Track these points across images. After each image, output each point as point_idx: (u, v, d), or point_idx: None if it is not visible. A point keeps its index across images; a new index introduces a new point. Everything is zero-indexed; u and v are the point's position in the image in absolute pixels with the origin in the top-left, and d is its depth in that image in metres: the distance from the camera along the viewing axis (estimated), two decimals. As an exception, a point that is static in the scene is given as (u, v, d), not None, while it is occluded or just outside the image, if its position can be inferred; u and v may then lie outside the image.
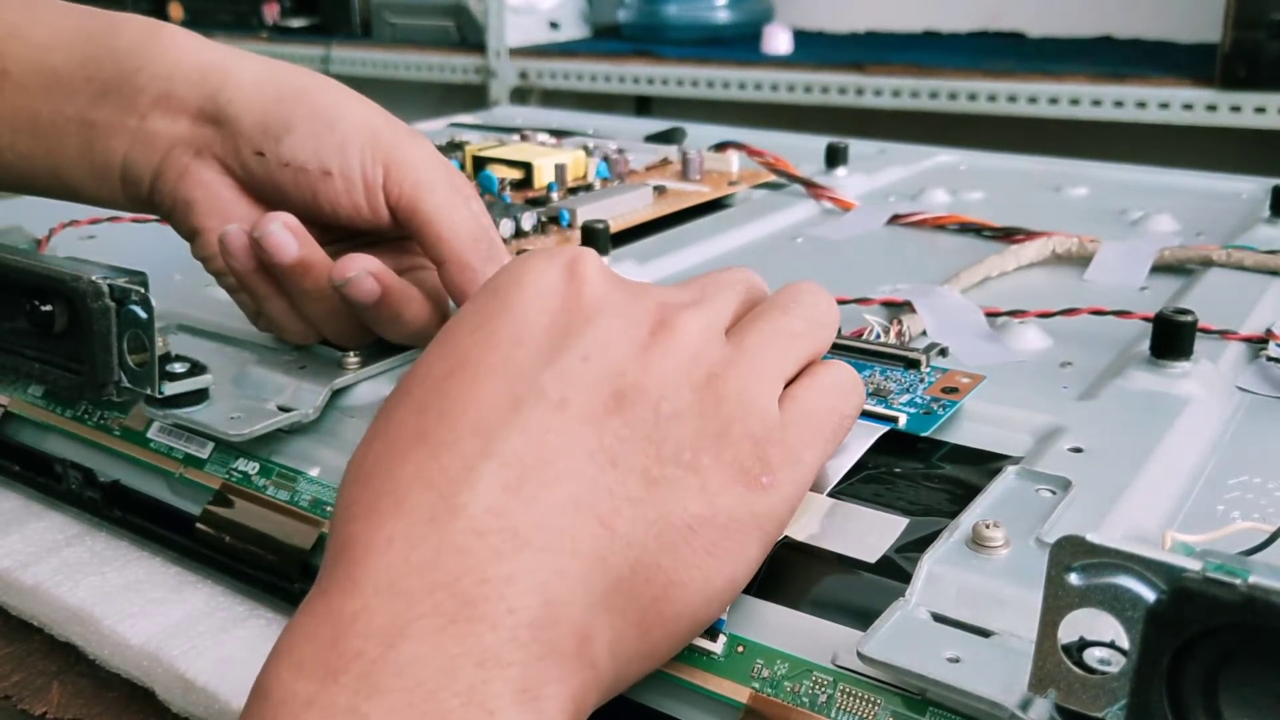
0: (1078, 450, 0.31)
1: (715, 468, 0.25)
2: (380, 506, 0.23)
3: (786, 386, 0.28)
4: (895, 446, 0.32)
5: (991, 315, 0.42)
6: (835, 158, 0.67)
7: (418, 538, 0.22)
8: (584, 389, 0.24)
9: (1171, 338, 0.35)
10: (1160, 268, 0.48)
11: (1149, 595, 0.18)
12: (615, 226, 0.53)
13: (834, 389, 0.29)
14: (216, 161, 0.38)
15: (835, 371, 0.29)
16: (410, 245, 0.40)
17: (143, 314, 0.32)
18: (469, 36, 1.76)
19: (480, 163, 0.63)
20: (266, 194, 0.38)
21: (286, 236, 0.34)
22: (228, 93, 0.37)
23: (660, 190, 0.61)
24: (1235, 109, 1.23)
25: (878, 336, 0.38)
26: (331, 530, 0.24)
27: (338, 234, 0.38)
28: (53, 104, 0.38)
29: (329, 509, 0.32)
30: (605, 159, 0.63)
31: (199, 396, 0.35)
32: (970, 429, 0.33)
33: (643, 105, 1.85)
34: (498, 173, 0.61)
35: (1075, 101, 1.31)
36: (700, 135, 0.75)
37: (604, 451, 0.24)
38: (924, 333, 0.41)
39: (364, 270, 0.34)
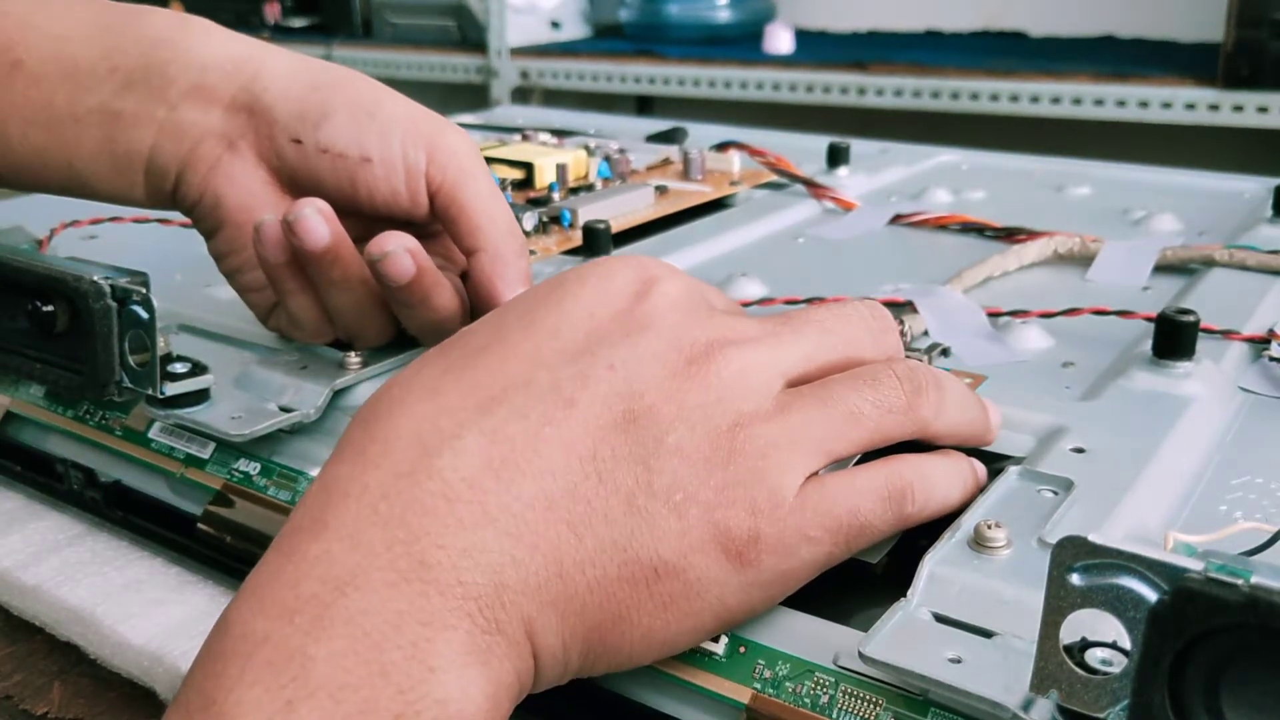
0: (1080, 450, 0.31)
1: (701, 522, 0.24)
2: (369, 452, 0.23)
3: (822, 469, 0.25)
4: (896, 445, 0.31)
5: (993, 315, 0.42)
6: (837, 157, 0.67)
7: (391, 489, 0.22)
8: (598, 396, 0.24)
9: (1174, 338, 0.35)
10: (1162, 267, 0.48)
11: (1151, 596, 0.18)
12: (617, 226, 0.53)
13: (868, 493, 0.25)
14: (250, 152, 0.37)
15: (883, 475, 0.26)
16: (434, 244, 0.40)
17: (144, 314, 0.32)
18: (470, 36, 1.76)
19: (482, 162, 0.62)
20: (301, 183, 0.37)
21: (319, 221, 0.34)
22: (262, 81, 0.37)
23: (662, 190, 0.61)
24: (1237, 108, 1.23)
25: (879, 336, 0.37)
26: (324, 465, 0.24)
27: (365, 230, 0.38)
28: (71, 95, 0.37)
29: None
30: (607, 159, 0.63)
31: (200, 397, 0.35)
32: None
33: (644, 105, 1.85)
34: (499, 173, 0.61)
35: (1077, 101, 1.31)
36: (702, 135, 0.75)
37: (594, 462, 0.23)
38: (926, 333, 0.41)
39: (402, 247, 0.34)
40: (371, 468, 0.23)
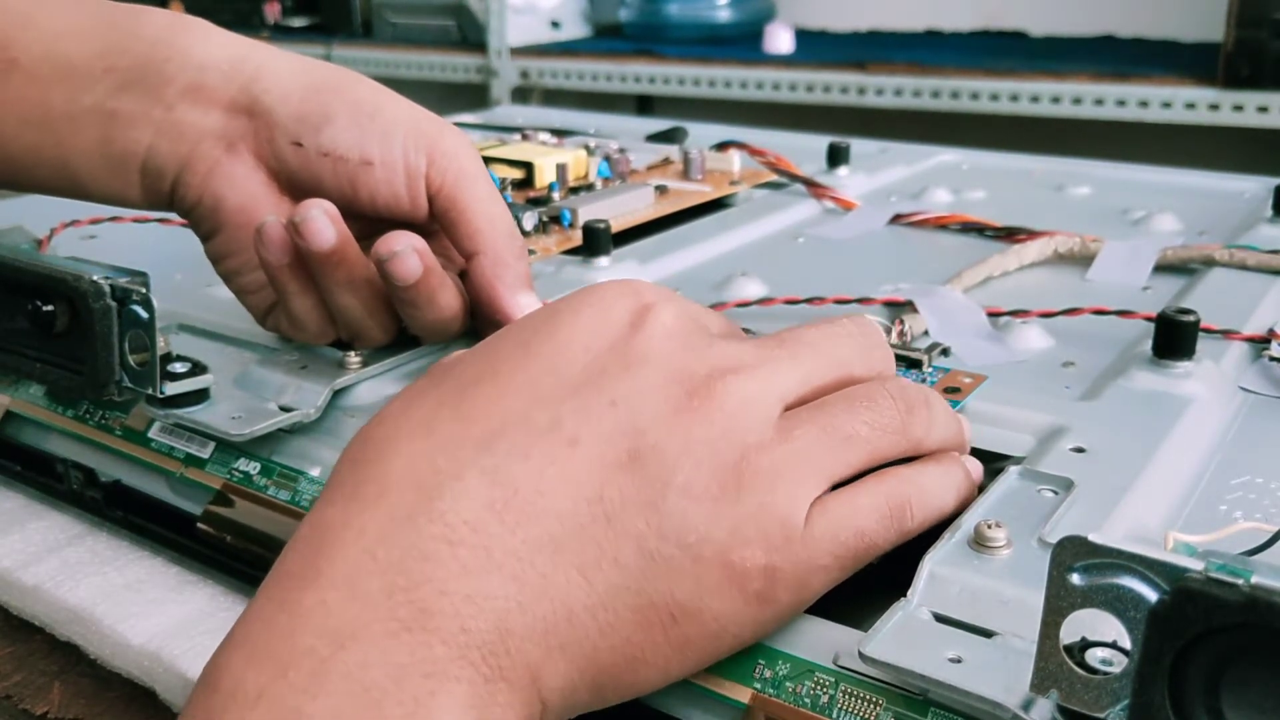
0: (1080, 450, 0.31)
1: (716, 564, 0.23)
2: (362, 494, 0.23)
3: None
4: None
5: (993, 315, 0.42)
6: (837, 157, 0.67)
7: (389, 535, 0.22)
8: (601, 435, 0.24)
9: (1174, 337, 0.35)
10: (1162, 267, 0.48)
11: (1151, 595, 0.18)
12: (616, 226, 0.53)
13: (870, 512, 0.25)
14: (250, 154, 0.37)
15: (883, 493, 0.26)
16: (432, 243, 0.40)
17: (144, 314, 0.32)
18: (470, 36, 1.76)
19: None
20: (301, 186, 0.37)
21: (325, 224, 0.34)
22: (263, 83, 0.37)
23: (662, 190, 0.61)
24: (1238, 108, 1.23)
25: (879, 336, 0.37)
26: (312, 508, 0.23)
27: (365, 230, 0.38)
28: (67, 94, 0.37)
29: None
30: (606, 158, 0.63)
31: (200, 396, 0.35)
32: (972, 429, 0.33)
33: (644, 105, 1.85)
34: (499, 172, 0.61)
35: (1077, 101, 1.31)
36: (702, 134, 0.75)
37: (602, 504, 0.23)
38: (926, 332, 0.41)
39: (410, 247, 0.34)
40: (367, 510, 0.22)
